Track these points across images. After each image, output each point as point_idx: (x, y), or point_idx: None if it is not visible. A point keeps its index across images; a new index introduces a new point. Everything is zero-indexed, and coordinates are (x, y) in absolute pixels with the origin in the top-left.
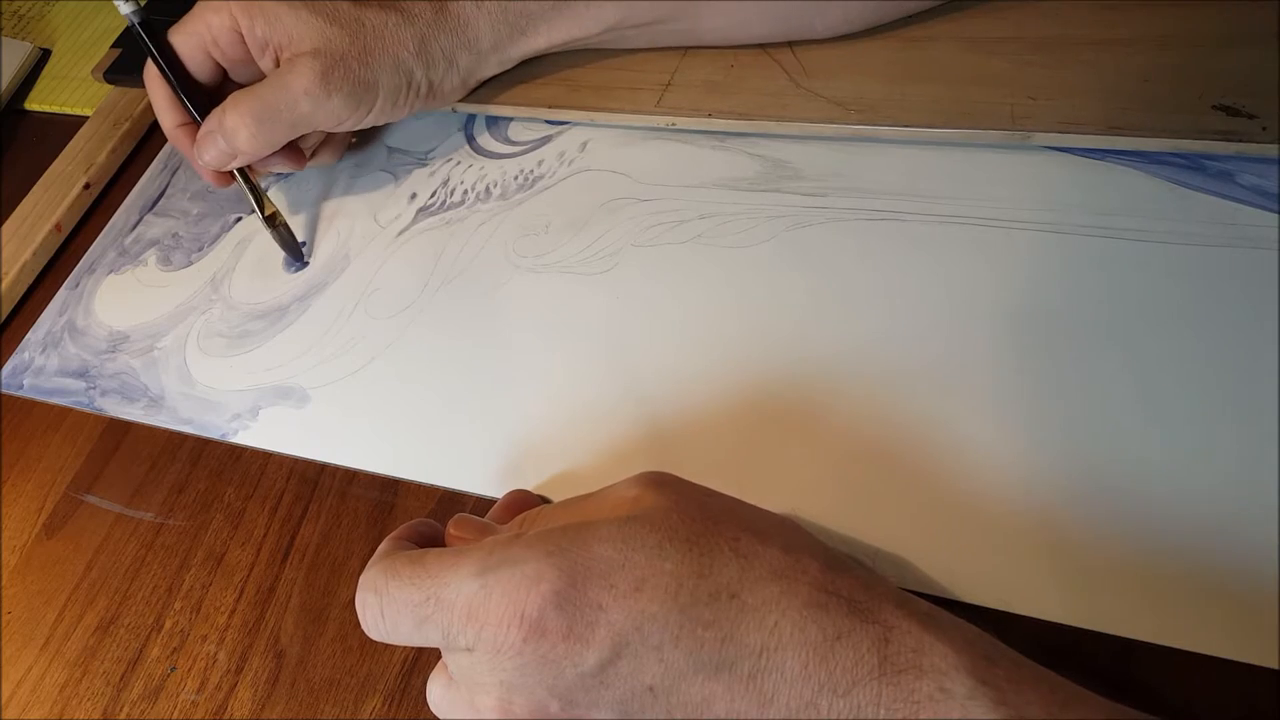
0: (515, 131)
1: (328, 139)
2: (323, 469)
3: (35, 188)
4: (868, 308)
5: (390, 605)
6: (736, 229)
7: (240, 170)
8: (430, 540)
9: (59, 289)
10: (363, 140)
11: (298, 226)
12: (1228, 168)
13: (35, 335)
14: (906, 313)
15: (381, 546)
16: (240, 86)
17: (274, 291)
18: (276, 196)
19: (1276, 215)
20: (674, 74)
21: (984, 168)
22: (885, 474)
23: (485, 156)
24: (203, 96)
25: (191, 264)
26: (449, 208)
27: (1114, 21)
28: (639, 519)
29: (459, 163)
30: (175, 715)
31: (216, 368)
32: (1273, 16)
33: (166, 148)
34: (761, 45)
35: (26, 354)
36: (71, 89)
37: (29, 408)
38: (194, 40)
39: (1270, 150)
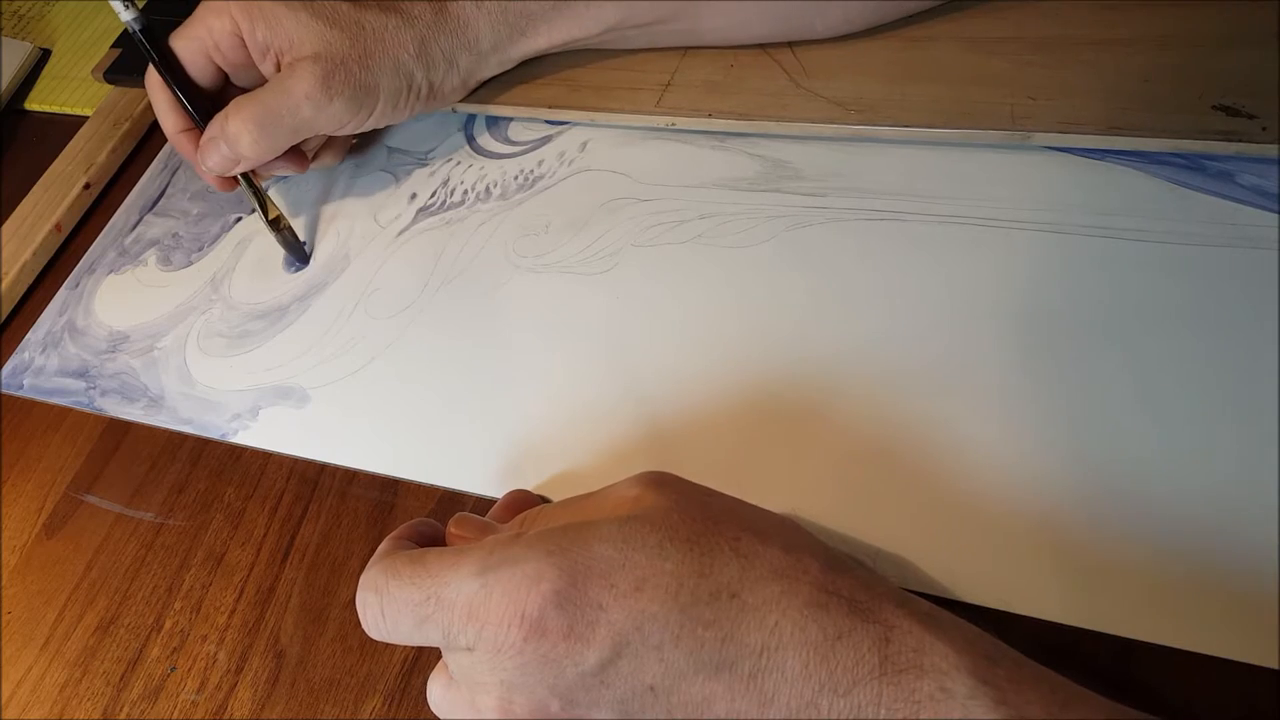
0: (515, 131)
1: (329, 141)
2: (323, 469)
3: (35, 188)
4: (868, 308)
5: (390, 605)
6: (736, 229)
7: (244, 174)
8: (430, 540)
9: (59, 289)
10: (363, 141)
11: (298, 227)
12: (1228, 168)
13: (35, 335)
14: (906, 313)
15: (382, 546)
16: (242, 90)
17: (274, 291)
18: (277, 197)
19: (1276, 215)
20: (674, 74)
21: (984, 168)
22: (885, 474)
23: (485, 156)
24: (204, 101)
25: (191, 264)
26: (449, 208)
27: (1114, 21)
28: (639, 518)
29: (459, 163)
30: (175, 715)
31: (216, 368)
32: (1273, 16)
33: (166, 148)
34: (761, 45)
35: (26, 354)
36: (71, 89)
37: (29, 408)
38: (195, 45)
39: (1270, 150)
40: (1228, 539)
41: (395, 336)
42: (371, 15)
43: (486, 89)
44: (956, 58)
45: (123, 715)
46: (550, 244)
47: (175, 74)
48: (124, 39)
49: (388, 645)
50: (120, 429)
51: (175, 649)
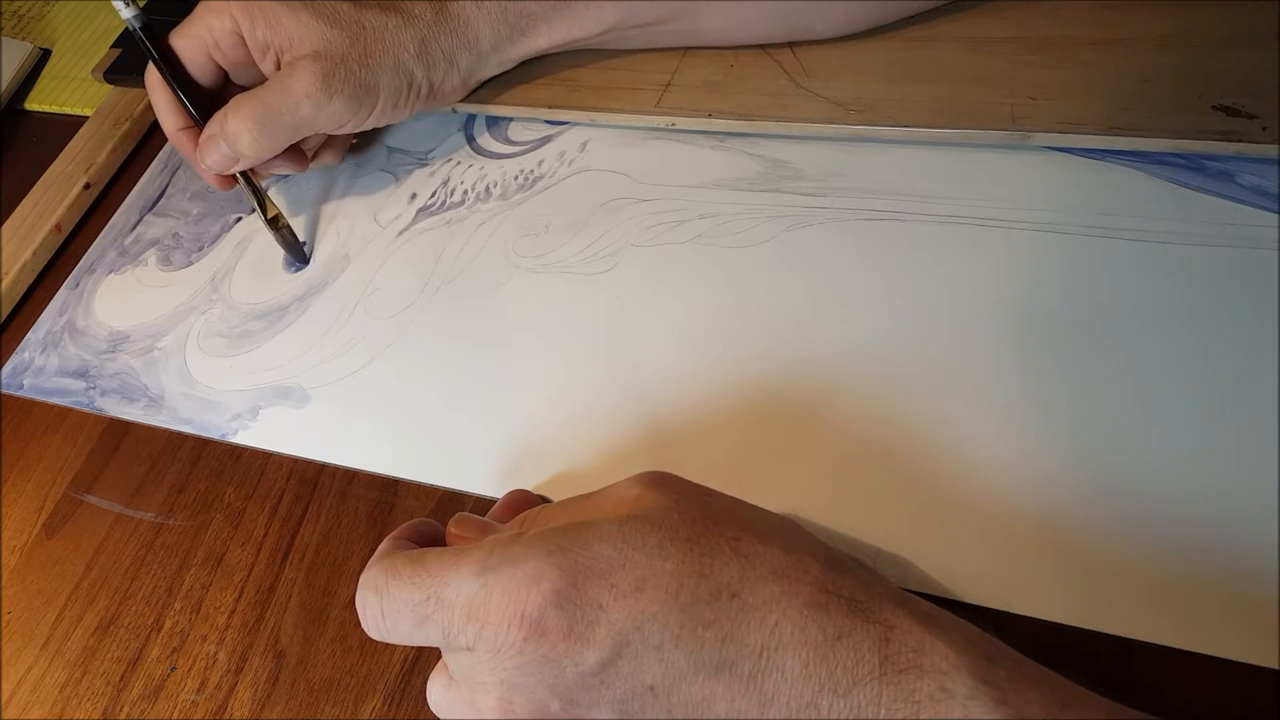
0: (515, 131)
1: (329, 140)
2: (323, 469)
3: (35, 188)
4: (868, 308)
5: (390, 604)
6: (736, 229)
7: (243, 173)
8: (431, 540)
9: (59, 289)
10: (363, 141)
11: (298, 227)
12: (1228, 168)
13: (35, 335)
14: (906, 313)
15: (382, 546)
16: (242, 89)
17: (274, 291)
18: (276, 197)
19: (1276, 215)
20: (674, 74)
21: (984, 168)
22: (885, 474)
23: (485, 156)
24: (204, 99)
25: (191, 264)
26: (449, 208)
27: (1114, 21)
28: (640, 518)
29: (459, 163)
30: (175, 715)
31: (216, 368)
32: (1273, 16)
33: (166, 147)
34: (761, 45)
35: (26, 354)
36: (71, 89)
37: (29, 408)
38: (195, 43)
39: (1270, 150)
40: (1228, 539)
41: (395, 336)
42: (372, 14)
43: (486, 89)
44: (956, 58)
45: (123, 715)
46: (550, 244)
47: (175, 72)
48: (124, 39)
49: (388, 645)
50: (120, 429)
51: (175, 649)
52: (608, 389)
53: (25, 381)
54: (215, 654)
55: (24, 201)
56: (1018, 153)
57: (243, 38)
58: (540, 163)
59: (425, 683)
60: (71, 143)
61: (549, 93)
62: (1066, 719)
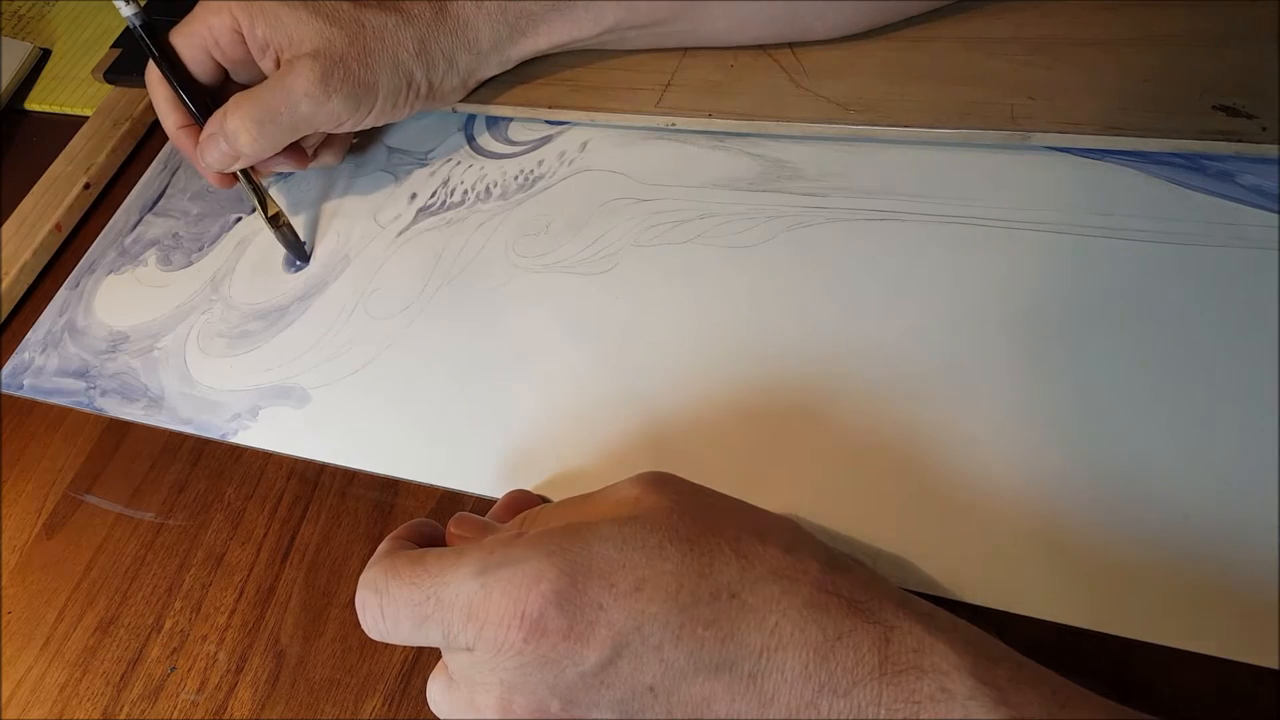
0: (515, 132)
1: (329, 139)
2: (323, 469)
3: (35, 188)
4: (867, 307)
5: (390, 605)
6: (736, 229)
7: (243, 171)
8: (430, 540)
9: (59, 289)
10: (363, 140)
11: (298, 226)
12: (1228, 168)
13: (35, 335)
14: (906, 312)
15: (381, 546)
16: (242, 87)
17: (274, 291)
18: (277, 196)
19: (1276, 215)
20: (674, 74)
21: (984, 168)
22: (885, 474)
23: (485, 156)
24: (204, 97)
25: (191, 264)
26: (449, 208)
27: (1114, 21)
28: (639, 519)
29: (459, 163)
30: (175, 715)
31: (217, 368)
32: (1273, 16)
33: (166, 148)
34: (761, 46)
35: (26, 354)
36: (71, 89)
37: (29, 408)
38: (195, 41)
39: (1270, 150)
40: (1228, 539)
41: (395, 336)
42: (371, 13)
43: (486, 89)
44: (956, 58)
45: (123, 715)
46: (550, 244)
47: (175, 70)
48: (124, 38)
49: (388, 645)
50: (120, 429)
51: (175, 649)
52: (608, 389)
53: (25, 381)
54: (215, 654)
55: (24, 201)
56: (1018, 153)
57: (242, 36)
58: (540, 163)
59: (425, 683)
60: (71, 143)
61: (549, 93)
62: (1066, 719)
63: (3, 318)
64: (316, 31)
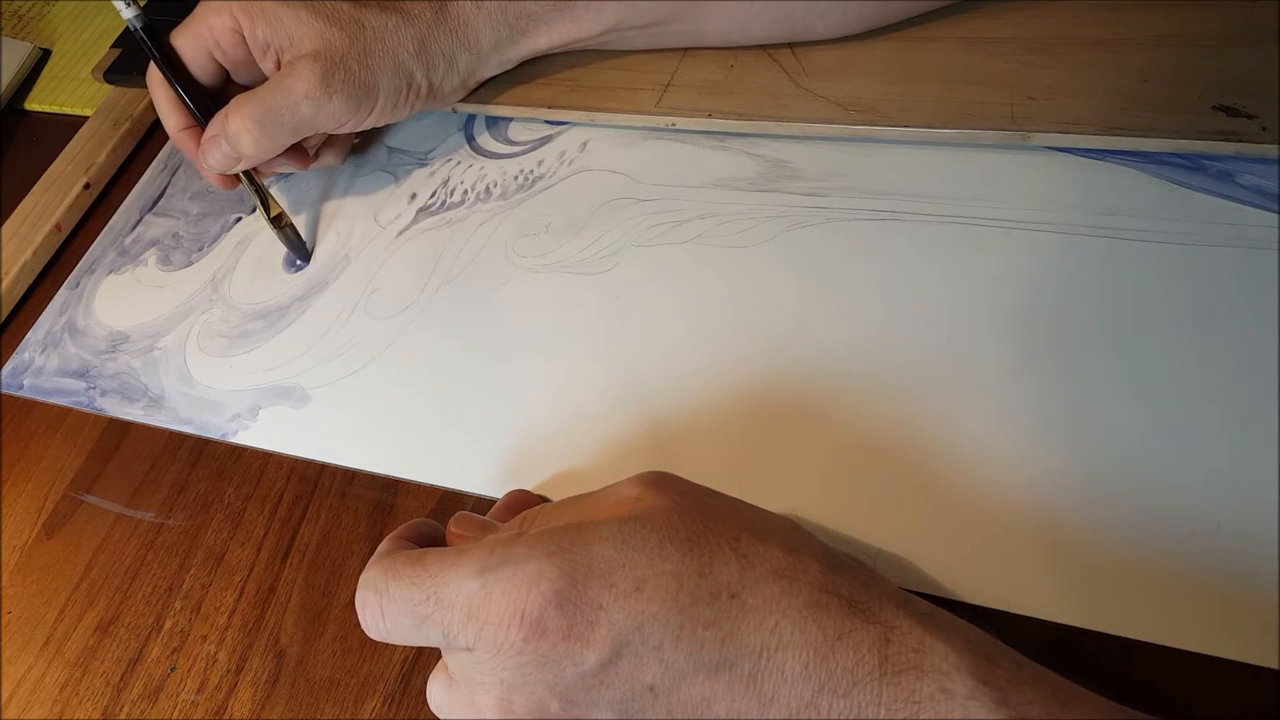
0: (515, 132)
1: (331, 140)
2: (323, 469)
3: (35, 188)
4: (867, 307)
5: (390, 604)
6: (736, 229)
7: (245, 172)
8: (430, 540)
9: (59, 289)
10: (363, 140)
11: (298, 226)
12: (1228, 168)
13: (35, 335)
14: (906, 313)
15: (381, 546)
16: (243, 88)
17: (274, 291)
18: (277, 196)
19: (1276, 215)
20: (674, 74)
21: (984, 168)
22: (885, 474)
23: (485, 156)
24: (205, 98)
25: (191, 264)
26: (449, 208)
27: (1114, 21)
28: (640, 519)
29: (459, 163)
30: (175, 715)
31: (216, 368)
32: (1273, 16)
33: (166, 147)
34: (762, 46)
35: (26, 354)
36: (71, 89)
37: (29, 408)
38: (196, 42)
39: (1270, 150)
40: (1228, 539)
41: (395, 336)
42: (371, 14)
43: (486, 89)
44: (956, 58)
45: (123, 715)
46: (550, 244)
47: (176, 72)
48: (124, 38)
49: (388, 645)
50: (120, 429)
51: (175, 649)
52: (608, 389)
53: (25, 381)
54: (215, 654)
55: (24, 201)
56: (1017, 153)
57: (243, 37)
58: (540, 163)
59: (425, 683)
60: (71, 143)
61: (549, 93)
62: (1066, 719)
63: (3, 318)
64: (317, 32)
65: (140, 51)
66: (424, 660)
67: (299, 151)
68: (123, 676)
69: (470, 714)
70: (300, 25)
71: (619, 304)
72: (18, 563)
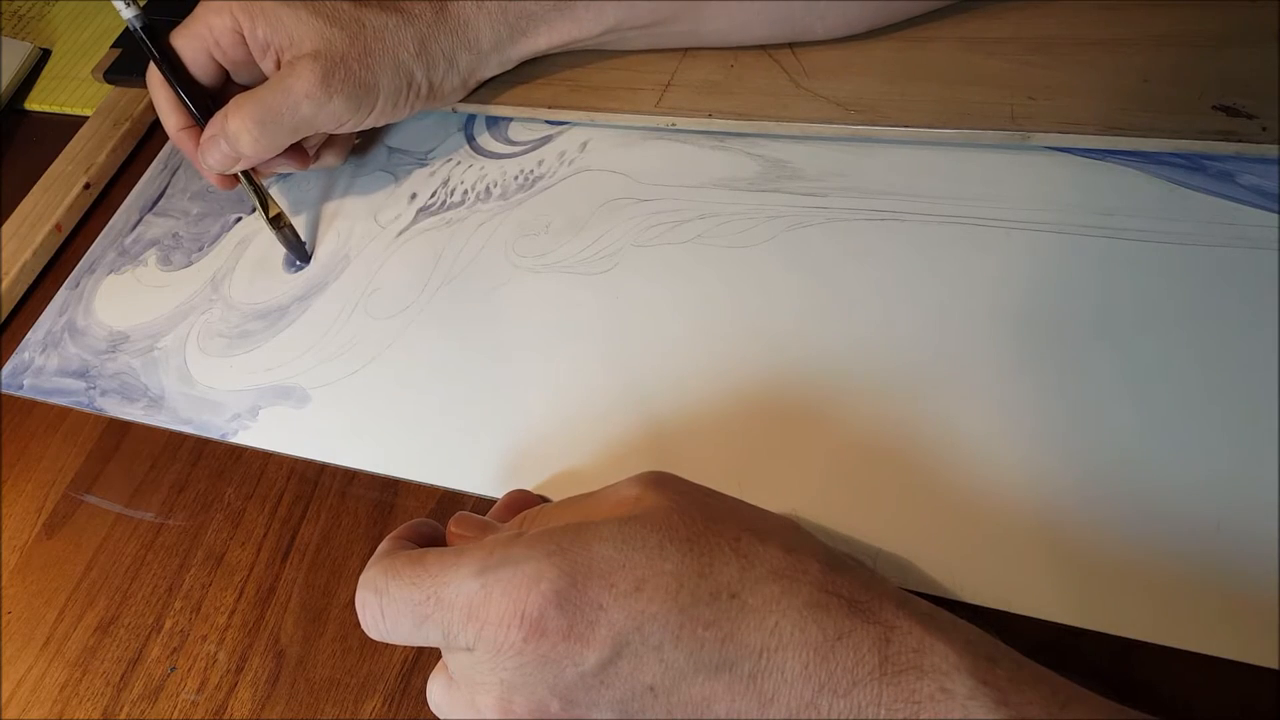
0: (515, 132)
1: (331, 140)
2: (323, 469)
3: (35, 188)
4: (867, 308)
5: (390, 604)
6: (736, 229)
7: (244, 173)
8: (430, 540)
9: (59, 289)
10: (363, 140)
11: (298, 226)
12: (1228, 168)
13: (35, 335)
14: (906, 313)
15: (381, 546)
16: (243, 88)
17: (274, 291)
18: (277, 197)
19: (1276, 215)
20: (674, 74)
21: (984, 168)
22: (885, 474)
23: (485, 156)
24: (205, 98)
25: (191, 264)
26: (449, 208)
27: (1114, 21)
28: (640, 519)
29: (459, 163)
30: (175, 715)
31: (216, 368)
32: (1273, 16)
33: (166, 147)
34: (762, 46)
35: (26, 354)
36: (71, 89)
37: (29, 408)
38: (196, 42)
39: (1270, 150)
40: (1227, 539)
41: (395, 336)
42: (372, 14)
43: (486, 89)
44: (956, 58)
45: (123, 715)
46: (550, 244)
47: (176, 72)
48: (124, 39)
49: (388, 645)
50: (120, 429)
51: (175, 649)
52: (608, 389)
53: (25, 381)
54: (215, 654)
55: (24, 201)
56: (1017, 153)
57: (243, 36)
58: (540, 163)
59: (425, 683)
60: (71, 143)
61: (549, 93)
62: (1066, 719)
63: (3, 318)
64: (317, 32)
65: (140, 51)
66: (424, 660)
67: (299, 151)
68: (123, 676)
69: (470, 714)
70: (300, 25)
71: (619, 304)
72: (18, 563)
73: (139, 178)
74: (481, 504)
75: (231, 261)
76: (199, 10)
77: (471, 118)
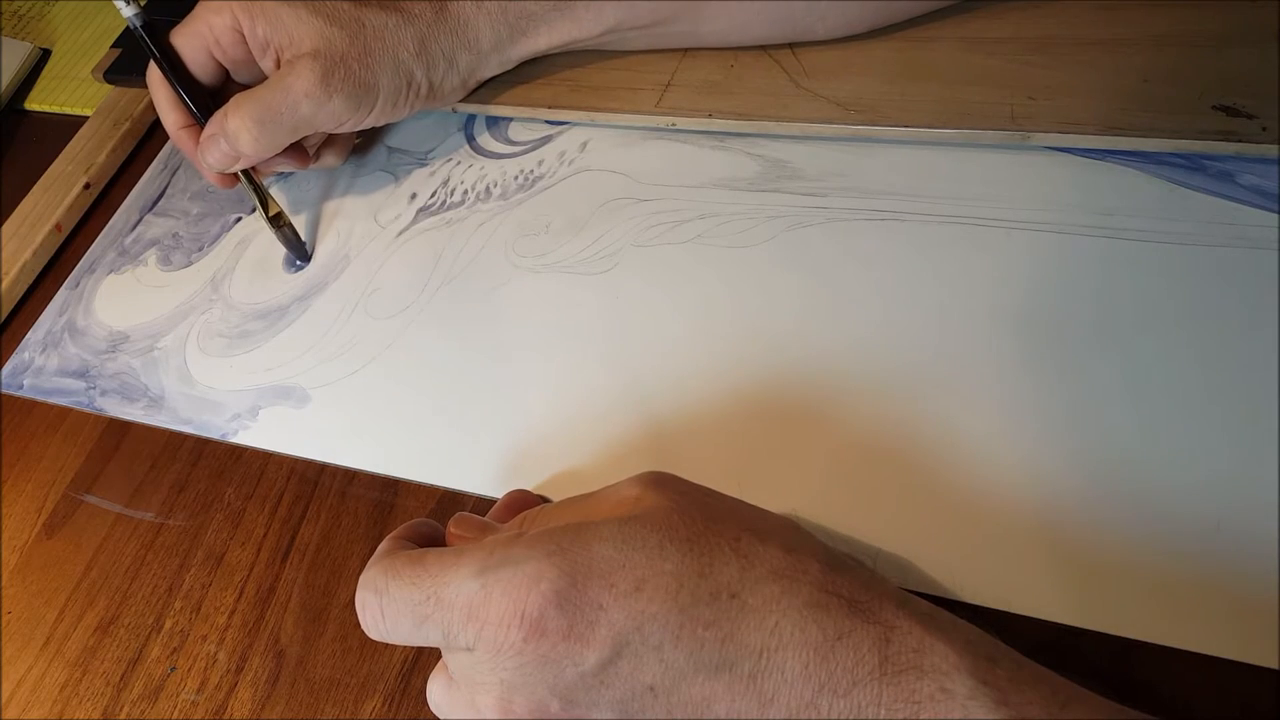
0: (515, 131)
1: (332, 140)
2: (323, 469)
3: (35, 188)
4: (867, 307)
5: (390, 605)
6: (736, 229)
7: (244, 172)
8: (430, 540)
9: (59, 289)
10: (363, 140)
11: (298, 226)
12: (1228, 168)
13: (35, 335)
14: (906, 313)
15: (381, 546)
16: (243, 87)
17: (274, 291)
18: (277, 196)
19: (1276, 215)
20: (674, 74)
21: (984, 168)
22: (885, 474)
23: (485, 156)
24: (205, 97)
25: (191, 264)
26: (449, 208)
27: (1114, 21)
28: (640, 519)
29: (459, 163)
30: (175, 715)
31: (216, 368)
32: (1273, 16)
33: (166, 147)
34: (762, 46)
35: (26, 354)
36: (71, 89)
37: (29, 408)
38: (196, 41)
39: (1270, 150)
40: (1227, 539)
41: (395, 336)
42: (372, 13)
43: (486, 89)
44: (956, 58)
45: (123, 715)
46: (550, 244)
47: (176, 70)
48: (124, 38)
49: (388, 645)
50: (120, 429)
51: (175, 649)
52: (608, 389)
53: (25, 381)
54: (215, 654)
55: (24, 201)
56: (1017, 153)
57: (243, 35)
58: (540, 163)
59: (425, 683)
60: (71, 143)
61: (549, 93)
62: (1066, 719)
63: (3, 318)
64: (317, 31)
65: (140, 51)
66: (424, 660)
67: (299, 151)
68: (123, 676)
69: (470, 714)
70: (300, 24)
71: (619, 304)
72: (18, 563)
73: (139, 178)
74: (481, 504)
75: (231, 261)
76: (199, 9)
77: (471, 118)
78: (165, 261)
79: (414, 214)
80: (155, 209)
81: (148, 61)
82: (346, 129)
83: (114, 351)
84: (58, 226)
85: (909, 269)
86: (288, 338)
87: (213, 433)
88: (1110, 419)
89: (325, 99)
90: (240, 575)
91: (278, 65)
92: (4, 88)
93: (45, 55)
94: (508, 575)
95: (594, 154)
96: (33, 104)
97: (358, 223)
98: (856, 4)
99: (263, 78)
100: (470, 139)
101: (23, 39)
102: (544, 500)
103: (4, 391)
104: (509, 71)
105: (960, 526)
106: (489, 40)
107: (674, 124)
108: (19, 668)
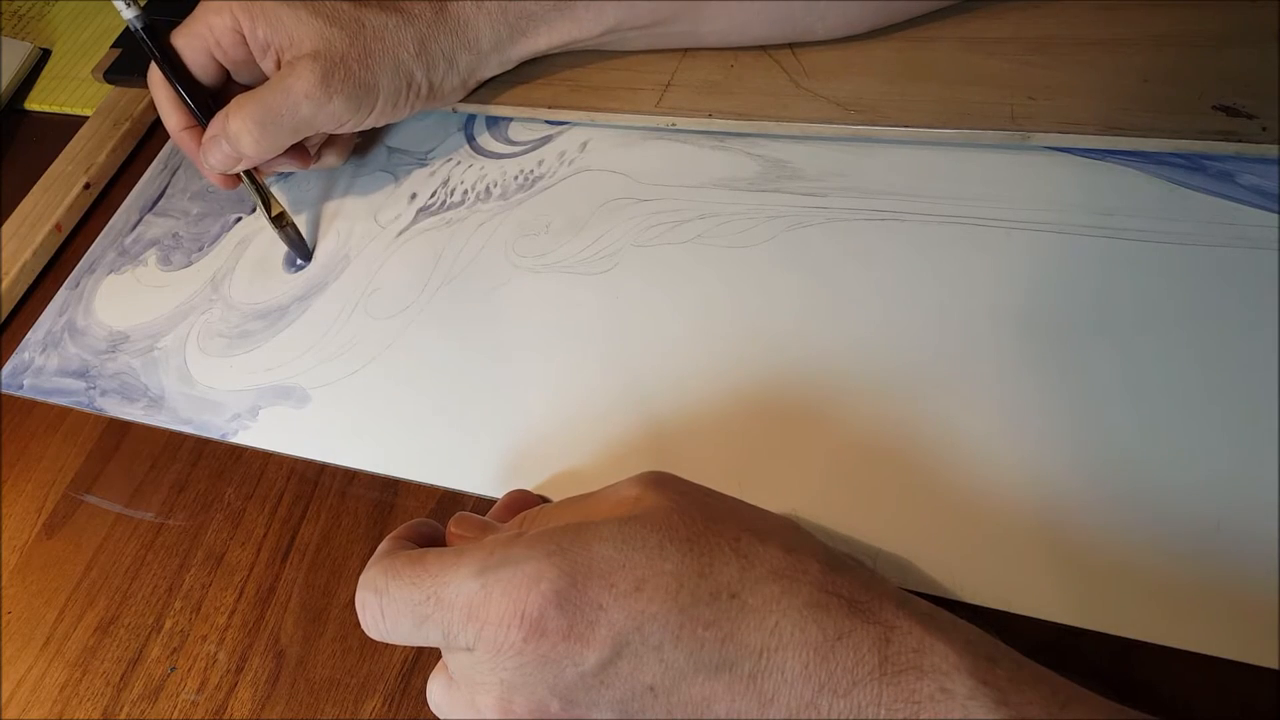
0: (515, 132)
1: (333, 140)
2: (323, 469)
3: (35, 188)
4: (867, 308)
5: (390, 605)
6: (736, 229)
7: (246, 172)
8: (430, 540)
9: (59, 289)
10: (363, 140)
11: (298, 226)
12: (1228, 168)
13: (35, 335)
14: (906, 313)
15: (381, 546)
16: (244, 88)
17: (274, 291)
18: (277, 196)
19: (1276, 215)
20: (674, 74)
21: (984, 168)
22: (885, 474)
23: (485, 156)
24: (206, 98)
25: (191, 264)
26: (449, 208)
27: (1114, 21)
28: (640, 519)
29: (459, 163)
30: (175, 715)
31: (216, 368)
32: (1273, 16)
33: (167, 147)
34: (762, 46)
35: (26, 354)
36: (71, 89)
37: (29, 408)
38: (196, 42)
39: (1270, 150)
40: (1227, 539)
41: (395, 336)
42: (372, 14)
43: (486, 89)
44: (956, 58)
45: (123, 715)
46: (550, 244)
47: (177, 71)
48: (124, 38)
49: (388, 645)
50: (120, 429)
51: (175, 649)
52: (608, 389)
53: (25, 381)
54: (215, 654)
55: (24, 201)
56: (1017, 153)
57: (243, 36)
58: (540, 163)
59: (425, 683)
60: (71, 143)
61: (549, 93)
62: (1066, 719)
63: (3, 318)
64: (317, 32)
65: (140, 51)
66: (424, 660)
67: (300, 151)
68: (123, 676)
69: (470, 714)
70: (300, 25)
71: (619, 304)
72: (18, 563)
73: (139, 178)
74: (481, 504)
75: (231, 261)
76: (199, 10)
77: (471, 118)
78: (165, 261)
79: (414, 214)
80: (155, 209)
81: (148, 62)
82: (347, 129)
83: (114, 351)
84: (58, 226)
85: (909, 269)
86: (288, 338)
87: (213, 433)
88: (1110, 419)
89: (325, 100)
90: (240, 575)
91: (278, 66)
92: (4, 88)
93: (45, 55)
94: (508, 575)
95: (594, 154)
96: (33, 104)
97: (358, 223)
98: (856, 4)
99: (263, 78)
100: (470, 139)
101: (23, 39)
102: (544, 500)
103: (4, 391)
104: (509, 71)
105: (960, 526)
106: (489, 40)
107: (674, 124)
108: (19, 668)
